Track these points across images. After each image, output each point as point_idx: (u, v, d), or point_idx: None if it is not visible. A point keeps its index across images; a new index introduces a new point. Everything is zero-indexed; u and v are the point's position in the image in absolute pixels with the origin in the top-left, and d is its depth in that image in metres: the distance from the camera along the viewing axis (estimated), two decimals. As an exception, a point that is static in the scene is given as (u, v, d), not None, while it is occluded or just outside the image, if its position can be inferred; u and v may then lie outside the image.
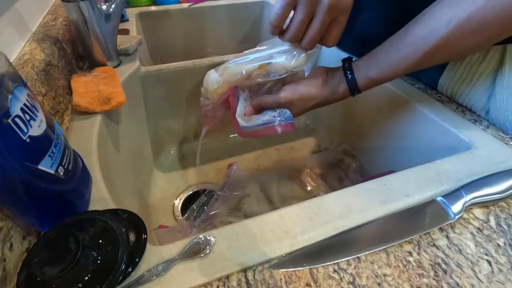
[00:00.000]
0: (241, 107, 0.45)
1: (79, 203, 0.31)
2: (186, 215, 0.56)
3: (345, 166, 0.63)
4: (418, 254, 0.29)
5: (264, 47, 0.46)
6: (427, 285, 0.27)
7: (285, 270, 0.27)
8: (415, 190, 0.34)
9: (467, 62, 0.44)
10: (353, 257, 0.28)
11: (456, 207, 0.31)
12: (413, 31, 0.37)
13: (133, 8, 0.84)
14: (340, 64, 0.45)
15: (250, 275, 0.27)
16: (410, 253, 0.29)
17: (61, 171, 0.27)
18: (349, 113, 0.66)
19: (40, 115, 0.26)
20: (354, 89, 0.42)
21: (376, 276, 0.27)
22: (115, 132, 0.49)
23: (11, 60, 0.41)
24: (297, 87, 0.45)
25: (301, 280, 0.27)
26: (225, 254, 0.28)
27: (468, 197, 0.32)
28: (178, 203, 0.62)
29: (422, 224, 0.31)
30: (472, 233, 0.31)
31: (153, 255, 0.28)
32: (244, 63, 0.45)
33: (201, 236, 0.29)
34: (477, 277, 0.27)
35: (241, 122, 0.44)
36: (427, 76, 0.52)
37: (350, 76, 0.42)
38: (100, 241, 0.26)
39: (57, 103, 0.43)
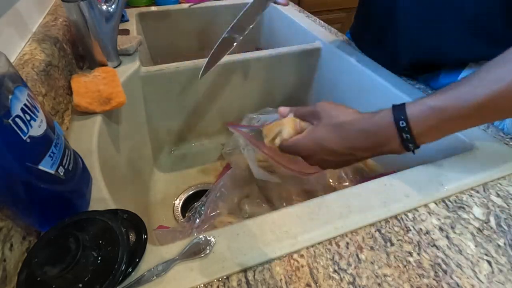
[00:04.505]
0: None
1: (79, 203, 0.31)
2: (187, 215, 0.56)
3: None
4: (418, 254, 0.29)
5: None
6: (427, 286, 0.27)
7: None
8: (415, 190, 0.34)
9: None
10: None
11: None
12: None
13: (133, 8, 0.84)
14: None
15: (250, 275, 0.27)
16: (410, 253, 0.29)
17: (61, 171, 0.27)
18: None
19: (41, 115, 0.26)
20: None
21: (376, 277, 0.27)
22: (115, 132, 0.49)
23: (12, 60, 0.41)
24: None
25: (301, 280, 0.27)
26: (225, 254, 0.28)
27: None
28: (178, 203, 0.62)
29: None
30: (472, 234, 0.31)
31: (153, 255, 0.28)
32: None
33: (201, 236, 0.29)
34: (478, 278, 0.27)
35: None
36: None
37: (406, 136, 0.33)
38: (100, 241, 0.26)
39: (57, 103, 0.43)
